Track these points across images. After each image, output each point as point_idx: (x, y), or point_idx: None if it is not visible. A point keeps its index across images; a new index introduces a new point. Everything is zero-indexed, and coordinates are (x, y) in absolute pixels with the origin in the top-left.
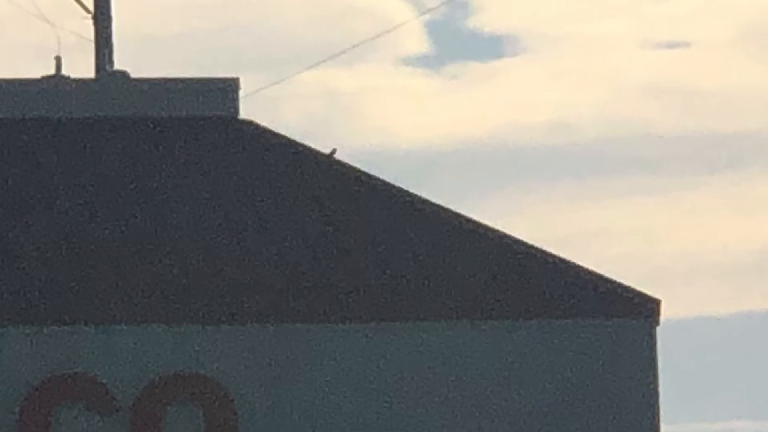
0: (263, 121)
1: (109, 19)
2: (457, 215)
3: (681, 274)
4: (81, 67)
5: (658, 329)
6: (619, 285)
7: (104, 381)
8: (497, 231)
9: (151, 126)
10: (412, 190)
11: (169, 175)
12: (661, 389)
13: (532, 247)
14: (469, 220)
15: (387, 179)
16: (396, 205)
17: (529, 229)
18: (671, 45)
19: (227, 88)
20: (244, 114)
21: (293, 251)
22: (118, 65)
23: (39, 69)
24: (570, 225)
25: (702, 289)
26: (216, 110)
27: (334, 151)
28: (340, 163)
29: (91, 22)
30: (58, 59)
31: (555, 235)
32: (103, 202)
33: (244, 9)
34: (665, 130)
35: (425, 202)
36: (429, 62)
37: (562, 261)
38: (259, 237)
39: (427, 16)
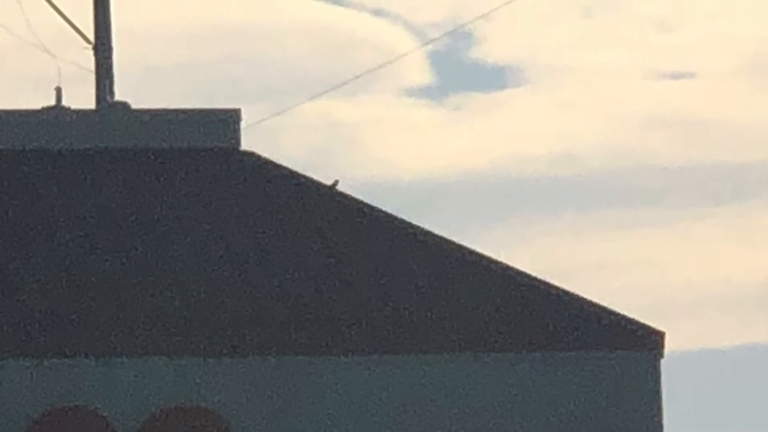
0: (265, 152)
1: (109, 49)
2: (460, 247)
3: (685, 306)
4: (81, 98)
5: (662, 361)
6: (623, 317)
7: (105, 414)
8: (500, 263)
9: (152, 157)
10: (414, 222)
11: (170, 206)
12: (665, 421)
13: (535, 279)
14: (471, 252)
15: (389, 210)
16: (398, 236)
17: (533, 261)
18: (676, 76)
19: (228, 119)
20: (245, 145)
21: (295, 283)
22: (118, 96)
23: (39, 100)
24: (573, 257)
25: (706, 321)
26: (217, 141)
27: (336, 183)
28: (342, 194)
29: (91, 52)
30: (58, 90)
31: (558, 267)
32: (103, 234)
33: (246, 40)
34: (669, 161)
35: (428, 233)
36: (432, 93)
37: (566, 293)
38: (261, 269)
39: (429, 47)
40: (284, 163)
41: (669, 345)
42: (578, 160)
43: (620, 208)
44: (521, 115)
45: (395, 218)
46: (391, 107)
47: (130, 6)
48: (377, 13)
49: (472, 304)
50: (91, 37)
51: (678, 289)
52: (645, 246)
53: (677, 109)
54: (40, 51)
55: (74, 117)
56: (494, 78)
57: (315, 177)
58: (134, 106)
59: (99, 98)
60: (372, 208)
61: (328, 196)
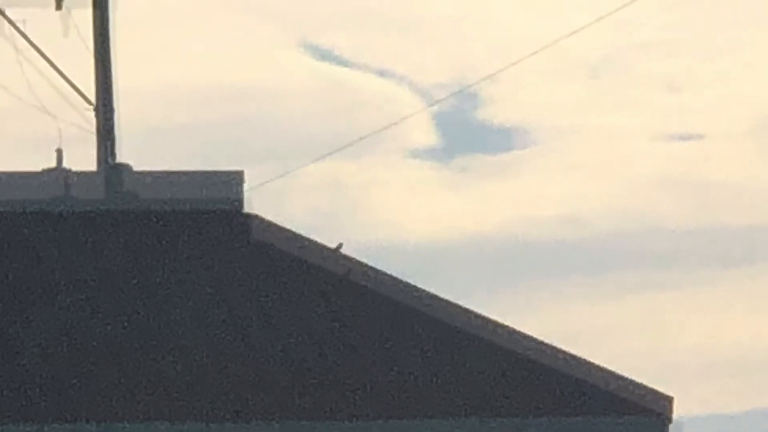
0: (268, 215)
1: (111, 110)
2: (466, 311)
3: (694, 370)
4: (83, 159)
5: (671, 427)
6: (631, 382)
7: None
8: (507, 327)
9: (154, 219)
10: (420, 285)
11: (173, 269)
12: None
13: (542, 343)
14: (478, 316)
15: (395, 274)
16: (403, 300)
17: (540, 325)
18: (684, 137)
19: (231, 181)
20: (248, 207)
21: (298, 347)
22: (120, 158)
23: (40, 162)
24: (581, 321)
25: (716, 385)
26: (220, 204)
27: (340, 246)
28: (346, 257)
29: (93, 113)
30: (59, 152)
31: (566, 331)
32: (105, 297)
33: (249, 101)
34: (678, 224)
35: (433, 297)
36: (437, 154)
37: (573, 357)
38: (264, 332)
39: (435, 108)
40: (288, 225)
41: (678, 410)
42: (586, 223)
43: (628, 271)
44: (528, 177)
45: (400, 281)
46: (396, 169)
47: (132, 67)
48: (382, 73)
49: (479, 368)
50: (93, 98)
51: (687, 353)
52: (653, 310)
53: (686, 171)
54: (41, 112)
55: (75, 179)
56: (500, 139)
57: (319, 239)
58: (136, 167)
59: (100, 160)
60: (377, 271)
61: (333, 259)
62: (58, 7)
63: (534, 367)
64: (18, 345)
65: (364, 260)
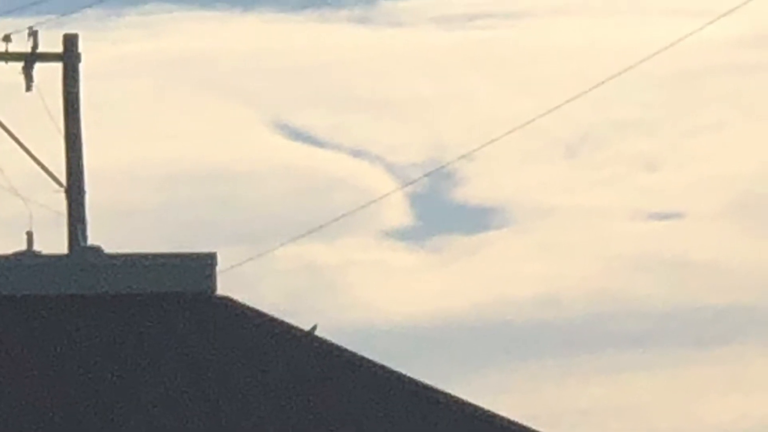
0: (241, 297)
1: (82, 192)
2: (443, 393)
3: None
4: (53, 242)
5: None
6: None
7: None
8: (484, 409)
9: (125, 303)
10: (395, 367)
11: (144, 353)
12: None
13: (519, 425)
14: (454, 398)
15: (370, 356)
16: (379, 382)
17: (516, 407)
18: (662, 216)
19: (204, 264)
20: (221, 290)
21: (272, 428)
22: (91, 240)
23: (10, 245)
24: (559, 403)
25: None
26: (192, 286)
27: (314, 328)
28: (320, 339)
29: (63, 195)
30: (29, 234)
31: (543, 414)
32: (74, 381)
33: (221, 182)
34: (656, 304)
35: (410, 379)
36: (412, 235)
37: None
38: (237, 417)
39: (410, 188)
40: (262, 308)
41: None
42: (563, 304)
43: (606, 352)
44: (504, 258)
45: (376, 364)
46: (371, 250)
47: (103, 148)
48: (356, 153)
49: None
50: (63, 179)
51: None
52: (631, 391)
53: (664, 250)
54: (11, 194)
55: (46, 262)
56: (476, 219)
57: (293, 322)
58: (107, 250)
59: (71, 242)
60: (352, 354)
61: (307, 342)
62: (28, 88)
63: None
64: None
65: (339, 342)
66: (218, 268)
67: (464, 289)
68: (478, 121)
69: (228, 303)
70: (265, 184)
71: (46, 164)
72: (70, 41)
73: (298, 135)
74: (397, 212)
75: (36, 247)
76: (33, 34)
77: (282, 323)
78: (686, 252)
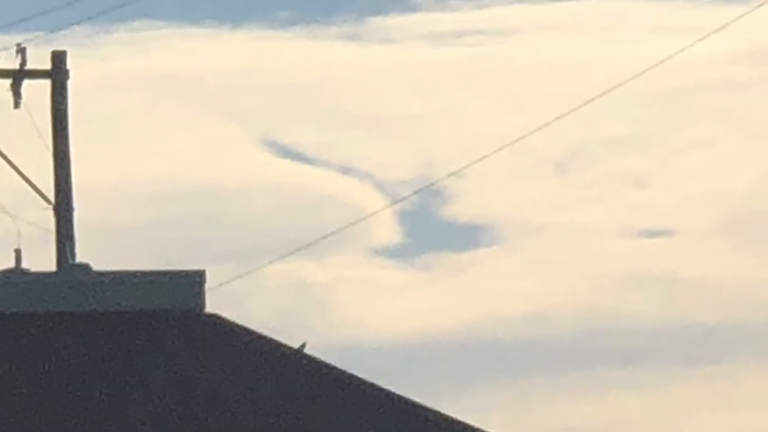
0: (230, 315)
1: (70, 210)
2: (432, 411)
3: None
4: (42, 259)
5: None
6: None
7: None
8: (473, 427)
9: (114, 320)
10: (384, 385)
11: (132, 370)
12: None
13: None
14: (444, 416)
15: (359, 374)
16: (368, 400)
17: (506, 425)
18: (652, 234)
19: (192, 281)
20: (210, 307)
21: None
22: (80, 257)
23: None
24: (548, 420)
25: None
26: (181, 304)
27: (303, 345)
28: (310, 357)
29: (52, 213)
30: (17, 252)
31: (532, 431)
32: (63, 399)
33: (210, 199)
34: (646, 322)
35: (399, 397)
36: (401, 253)
37: None
38: None
39: (399, 206)
40: (251, 325)
41: None
42: (552, 321)
43: (595, 370)
44: (493, 275)
45: (365, 381)
46: (360, 268)
47: (91, 165)
48: (345, 171)
49: None
50: (52, 197)
51: None
52: (621, 409)
53: (654, 267)
54: None
55: (34, 280)
56: (466, 237)
57: (282, 340)
58: (96, 267)
59: (60, 260)
60: (342, 372)
61: (296, 359)
62: (16, 105)
63: None
64: None
65: (328, 360)
66: (207, 286)
67: (454, 307)
68: (468, 138)
69: (217, 320)
70: (254, 202)
71: (35, 181)
72: (59, 58)
73: (287, 152)
74: (387, 230)
75: (24, 265)
76: (21, 50)
77: (271, 341)
78: (676, 269)
